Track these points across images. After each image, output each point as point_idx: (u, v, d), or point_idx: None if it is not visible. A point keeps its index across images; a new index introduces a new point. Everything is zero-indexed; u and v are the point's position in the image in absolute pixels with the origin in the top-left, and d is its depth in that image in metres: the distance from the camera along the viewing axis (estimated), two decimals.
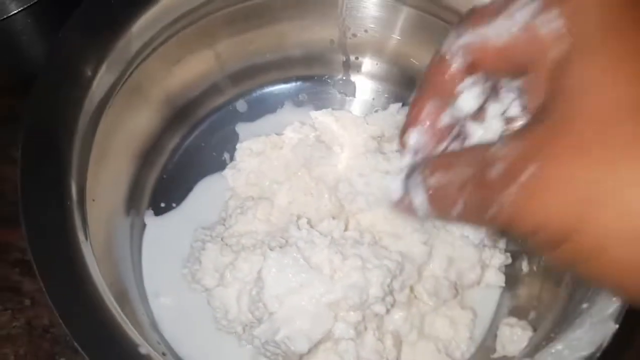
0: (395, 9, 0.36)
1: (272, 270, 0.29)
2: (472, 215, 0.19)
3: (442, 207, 0.20)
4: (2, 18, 0.31)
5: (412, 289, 0.33)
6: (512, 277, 0.34)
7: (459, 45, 0.21)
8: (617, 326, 0.24)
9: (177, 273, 0.34)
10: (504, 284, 0.34)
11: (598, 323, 0.24)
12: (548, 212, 0.17)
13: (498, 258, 0.34)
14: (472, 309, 0.34)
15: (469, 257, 0.32)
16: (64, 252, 0.24)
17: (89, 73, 0.28)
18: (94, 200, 0.30)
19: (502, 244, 0.35)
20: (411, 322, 0.32)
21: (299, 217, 0.34)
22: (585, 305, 0.25)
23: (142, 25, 0.31)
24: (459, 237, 0.32)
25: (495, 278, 0.34)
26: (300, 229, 0.31)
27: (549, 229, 0.17)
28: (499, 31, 0.20)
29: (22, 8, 0.31)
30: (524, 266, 0.34)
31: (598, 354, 0.23)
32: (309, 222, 0.33)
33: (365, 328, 0.31)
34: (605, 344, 0.23)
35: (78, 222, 0.26)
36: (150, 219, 0.36)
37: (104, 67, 0.29)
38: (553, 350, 0.23)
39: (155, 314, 0.33)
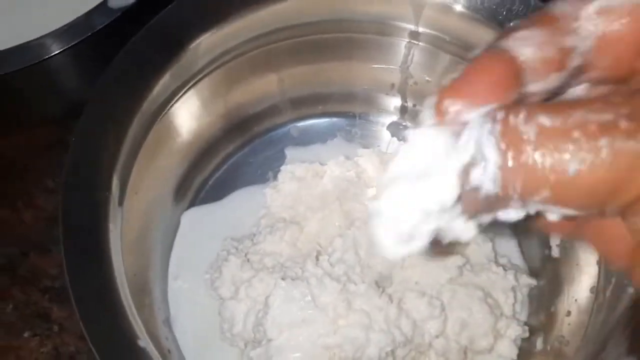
0: (461, 65, 0.37)
1: (278, 299, 0.30)
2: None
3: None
4: (45, 58, 0.33)
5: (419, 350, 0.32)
6: (525, 352, 0.33)
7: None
8: None
9: (200, 276, 0.35)
10: (515, 357, 0.33)
11: None
12: None
13: (514, 330, 0.33)
14: None
15: (484, 324, 0.32)
16: (89, 238, 0.26)
17: (150, 80, 0.30)
18: (136, 193, 0.32)
19: (523, 315, 0.34)
20: None
21: (319, 253, 0.34)
22: None
23: (211, 43, 0.33)
24: (477, 301, 0.32)
25: (508, 349, 0.33)
26: (318, 265, 0.32)
27: None
28: None
29: (63, 49, 0.34)
30: (539, 343, 0.33)
31: None
32: (329, 260, 0.33)
33: None
34: None
35: (112, 211, 0.28)
36: (186, 218, 0.37)
37: (167, 76, 0.31)
38: None
39: (171, 308, 0.35)
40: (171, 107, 0.34)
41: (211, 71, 0.35)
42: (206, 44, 0.32)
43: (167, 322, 0.34)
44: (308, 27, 0.36)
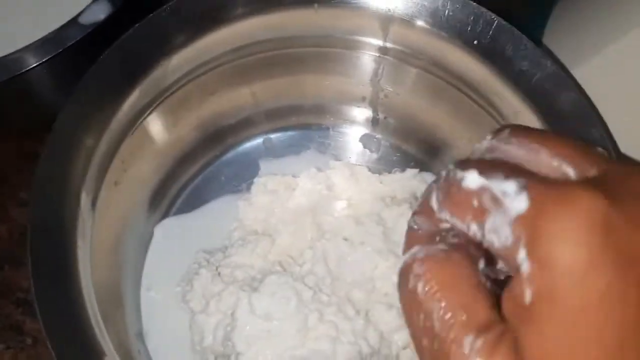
0: (428, 79, 0.37)
1: (245, 312, 0.31)
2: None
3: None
4: (21, 71, 0.33)
5: None
6: None
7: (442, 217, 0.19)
8: None
9: (172, 289, 0.36)
10: None
11: None
12: None
13: None
14: None
15: None
16: (57, 256, 0.26)
17: (118, 96, 0.30)
18: (108, 207, 0.32)
19: None
20: None
21: (289, 265, 0.35)
22: None
23: (182, 58, 0.33)
24: None
25: None
26: (286, 277, 0.32)
27: None
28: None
29: (37, 64, 0.34)
30: None
31: None
32: (299, 272, 0.34)
33: None
34: None
35: (81, 225, 0.28)
36: (159, 230, 0.38)
37: (136, 92, 0.31)
38: None
39: (143, 321, 0.35)
40: (143, 120, 0.34)
41: (182, 85, 0.35)
42: (177, 60, 0.32)
43: (140, 335, 0.35)
44: (279, 41, 0.36)
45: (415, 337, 0.18)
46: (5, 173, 0.41)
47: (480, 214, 0.17)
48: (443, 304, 0.17)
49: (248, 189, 0.39)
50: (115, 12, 0.35)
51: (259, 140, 0.42)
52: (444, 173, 0.19)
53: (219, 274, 0.34)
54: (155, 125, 0.35)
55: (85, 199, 0.29)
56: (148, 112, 0.34)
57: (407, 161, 0.41)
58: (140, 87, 0.31)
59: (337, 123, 0.42)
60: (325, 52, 0.38)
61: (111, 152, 0.32)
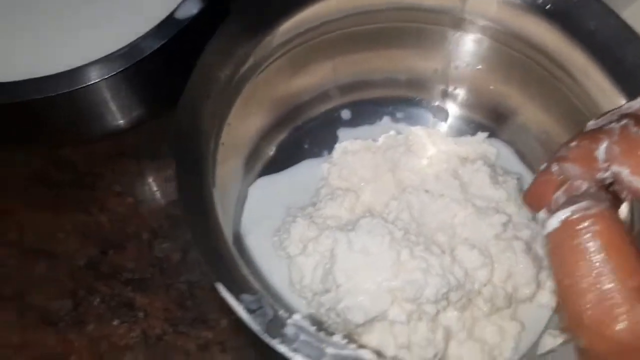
0: (500, 50, 0.41)
1: (344, 249, 0.34)
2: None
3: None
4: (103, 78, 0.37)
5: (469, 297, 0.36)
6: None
7: (612, 170, 0.21)
8: None
9: (268, 239, 0.40)
10: (554, 306, 0.37)
11: None
12: None
13: (553, 281, 0.37)
14: (521, 323, 0.37)
15: (527, 273, 0.36)
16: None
17: (232, 61, 0.34)
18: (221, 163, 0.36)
19: None
20: (463, 323, 0.36)
21: (376, 214, 0.38)
22: None
23: (283, 30, 0.37)
24: (521, 253, 0.36)
25: (547, 299, 0.37)
26: (377, 218, 0.36)
27: None
28: None
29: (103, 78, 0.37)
30: None
31: None
32: (387, 218, 0.37)
33: (420, 318, 0.35)
34: None
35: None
36: (252, 189, 0.42)
37: (251, 56, 0.35)
38: None
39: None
40: (247, 84, 0.38)
41: (277, 57, 0.40)
42: (282, 28, 0.36)
43: None
44: (362, 16, 0.40)
45: (574, 291, 0.19)
46: (99, 171, 0.45)
47: None
48: (610, 265, 0.19)
49: (329, 154, 0.43)
50: (205, 7, 0.39)
51: (335, 113, 0.46)
52: (614, 127, 0.21)
53: (313, 222, 0.38)
54: (260, 87, 0.39)
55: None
56: (255, 73, 0.38)
57: (475, 129, 0.44)
58: (254, 52, 0.36)
59: (409, 95, 0.46)
60: (403, 27, 0.42)
61: (224, 115, 0.36)
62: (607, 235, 0.19)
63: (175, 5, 0.39)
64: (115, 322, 0.40)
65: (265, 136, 0.43)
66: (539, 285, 0.36)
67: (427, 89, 0.45)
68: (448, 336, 0.35)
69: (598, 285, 0.18)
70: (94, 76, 0.37)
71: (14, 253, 0.42)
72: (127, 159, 0.46)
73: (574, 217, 0.19)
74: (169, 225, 0.43)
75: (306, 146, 0.45)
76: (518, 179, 0.40)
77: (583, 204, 0.20)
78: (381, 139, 0.42)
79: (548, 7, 0.35)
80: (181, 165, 0.30)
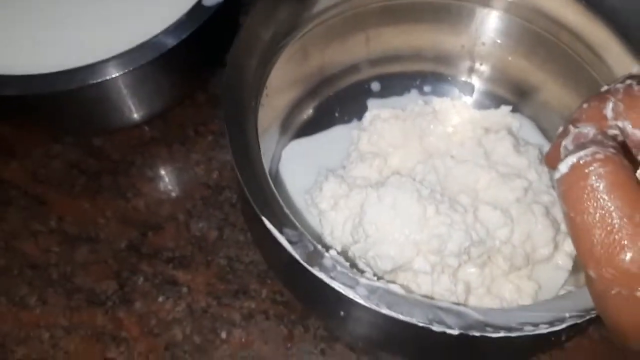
0: (525, 28, 0.43)
1: (374, 202, 0.36)
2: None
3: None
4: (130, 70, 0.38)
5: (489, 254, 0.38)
6: (578, 266, 0.39)
7: (619, 125, 0.24)
8: None
9: (301, 196, 0.42)
10: (570, 269, 0.39)
11: None
12: None
13: (569, 245, 0.39)
14: (538, 283, 0.39)
15: (545, 234, 0.38)
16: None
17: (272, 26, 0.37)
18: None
19: None
20: (483, 279, 0.38)
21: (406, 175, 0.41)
22: None
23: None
24: (540, 216, 0.38)
25: (564, 261, 0.39)
26: (406, 177, 0.38)
27: None
28: None
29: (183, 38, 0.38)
30: None
31: None
32: (414, 178, 0.40)
33: (443, 270, 0.37)
34: None
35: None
36: (286, 149, 0.44)
37: (290, 26, 0.38)
38: None
39: None
40: (285, 48, 0.40)
41: (316, 25, 0.42)
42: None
43: None
44: None
45: (582, 225, 0.21)
46: (132, 158, 0.47)
47: None
48: (619, 202, 0.20)
49: (359, 121, 0.46)
50: None
51: (365, 85, 0.48)
52: (619, 86, 0.24)
53: (344, 181, 0.40)
54: (295, 56, 0.42)
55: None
56: (292, 42, 0.40)
57: (498, 104, 0.46)
58: (294, 18, 0.38)
59: (436, 70, 0.48)
60: (433, 2, 0.44)
61: (265, 75, 0.39)
62: (614, 176, 0.21)
63: None
64: (161, 299, 0.41)
65: (299, 103, 0.46)
66: (556, 247, 0.39)
67: (454, 65, 0.48)
68: (468, 290, 0.38)
69: (606, 221, 0.20)
70: (119, 69, 0.38)
71: (58, 239, 0.43)
72: (157, 145, 0.47)
73: (582, 161, 0.21)
74: (203, 205, 0.45)
75: (337, 114, 0.47)
76: (539, 149, 0.42)
77: (590, 149, 0.21)
78: (410, 108, 0.44)
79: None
80: (229, 112, 0.33)
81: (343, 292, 0.27)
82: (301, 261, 0.28)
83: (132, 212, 0.45)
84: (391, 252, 0.35)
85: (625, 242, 0.20)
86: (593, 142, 0.22)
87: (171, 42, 0.39)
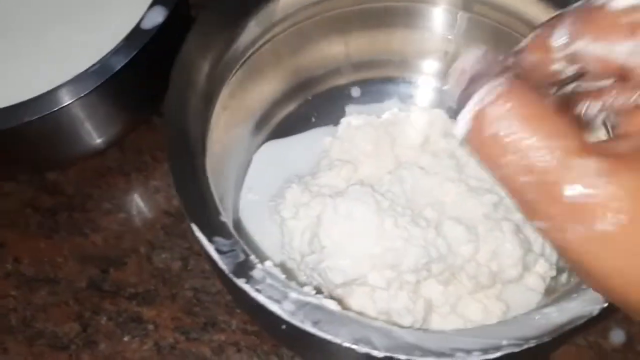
0: (507, 35, 0.41)
1: (330, 213, 0.35)
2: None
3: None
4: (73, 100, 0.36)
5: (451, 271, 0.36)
6: (551, 289, 0.37)
7: (572, 50, 0.19)
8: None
9: (265, 204, 0.41)
10: (543, 292, 0.37)
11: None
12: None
13: (542, 266, 0.36)
14: (507, 304, 0.37)
15: (513, 254, 0.36)
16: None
17: (234, 29, 0.36)
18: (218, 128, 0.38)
19: (553, 258, 0.38)
20: (447, 297, 0.36)
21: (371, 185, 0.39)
22: None
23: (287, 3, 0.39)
24: (509, 233, 0.36)
25: (535, 283, 0.37)
26: (366, 187, 0.36)
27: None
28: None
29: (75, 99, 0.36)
30: (564, 278, 0.36)
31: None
32: (378, 190, 0.38)
33: (402, 287, 0.35)
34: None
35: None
36: (257, 153, 0.43)
37: (252, 24, 0.37)
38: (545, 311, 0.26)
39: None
40: (251, 55, 0.39)
41: (286, 29, 0.41)
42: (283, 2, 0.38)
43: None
44: None
45: (509, 179, 0.18)
46: (87, 191, 0.45)
47: (632, 30, 0.17)
48: (536, 137, 0.17)
49: (335, 127, 0.44)
50: (170, 14, 0.39)
51: (345, 90, 0.47)
52: (576, 5, 0.19)
53: (307, 189, 0.39)
54: (264, 59, 0.40)
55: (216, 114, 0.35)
56: (258, 45, 0.39)
57: None
58: (254, 21, 0.37)
59: (419, 77, 0.46)
60: (414, 7, 0.42)
61: (223, 81, 0.38)
62: (522, 109, 0.18)
63: (140, 16, 0.39)
64: (126, 338, 0.40)
65: (274, 106, 0.44)
66: (526, 268, 0.36)
67: (437, 71, 0.46)
68: (429, 308, 0.36)
69: (531, 165, 0.17)
70: (67, 98, 0.36)
71: (15, 283, 0.41)
72: (114, 176, 0.46)
73: (478, 108, 0.18)
74: (165, 235, 0.43)
75: (313, 119, 0.46)
76: None
77: (482, 90, 0.18)
78: (384, 116, 0.43)
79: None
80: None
81: (267, 306, 0.26)
82: (226, 272, 0.26)
83: (91, 248, 0.43)
84: (344, 265, 0.34)
85: (559, 178, 0.17)
86: (482, 78, 0.19)
87: (114, 66, 0.37)
